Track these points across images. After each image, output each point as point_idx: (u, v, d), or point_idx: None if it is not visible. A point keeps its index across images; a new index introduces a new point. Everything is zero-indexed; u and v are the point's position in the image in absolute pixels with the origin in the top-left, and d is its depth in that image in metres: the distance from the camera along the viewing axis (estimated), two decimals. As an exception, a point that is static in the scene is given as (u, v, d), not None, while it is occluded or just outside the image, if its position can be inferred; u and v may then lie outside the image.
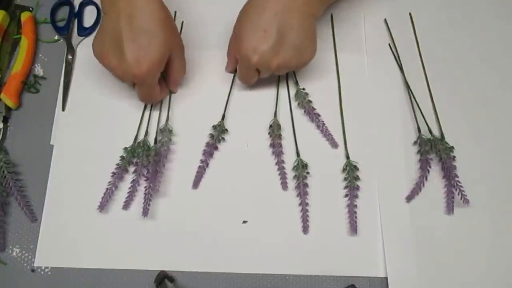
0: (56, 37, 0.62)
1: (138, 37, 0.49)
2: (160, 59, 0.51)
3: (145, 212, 0.52)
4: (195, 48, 0.60)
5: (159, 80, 0.55)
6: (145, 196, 0.53)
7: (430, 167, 0.55)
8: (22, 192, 0.54)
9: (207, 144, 0.56)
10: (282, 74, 0.57)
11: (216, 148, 0.56)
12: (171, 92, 0.59)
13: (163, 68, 0.53)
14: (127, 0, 0.50)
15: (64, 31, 0.62)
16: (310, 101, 0.58)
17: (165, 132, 0.56)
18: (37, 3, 0.63)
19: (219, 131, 0.56)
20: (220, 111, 0.58)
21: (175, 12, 0.62)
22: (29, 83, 0.59)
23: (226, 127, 0.57)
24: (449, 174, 0.54)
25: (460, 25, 0.62)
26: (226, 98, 0.58)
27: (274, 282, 0.52)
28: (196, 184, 0.55)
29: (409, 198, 0.55)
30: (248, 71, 0.54)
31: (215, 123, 0.57)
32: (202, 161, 0.55)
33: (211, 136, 0.56)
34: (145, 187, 0.53)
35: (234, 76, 0.59)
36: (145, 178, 0.54)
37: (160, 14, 0.51)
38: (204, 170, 0.55)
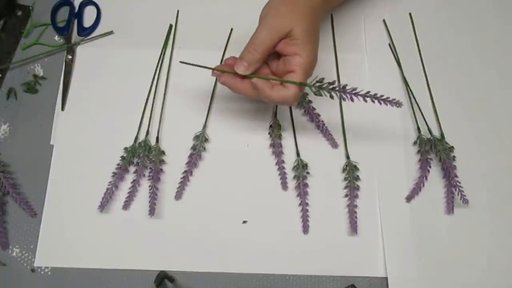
0: (56, 37, 0.62)
1: None
2: None
3: (152, 212, 0.52)
4: (195, 48, 0.60)
5: None
6: (150, 195, 0.53)
7: (430, 167, 0.55)
8: (18, 189, 0.54)
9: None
10: None
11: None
12: None
13: None
14: None
15: (64, 31, 0.62)
16: (310, 101, 0.58)
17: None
18: (34, 2, 0.62)
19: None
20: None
21: (177, 12, 0.62)
22: (29, 83, 0.59)
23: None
24: (449, 174, 0.54)
25: (460, 25, 0.62)
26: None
27: (274, 282, 0.52)
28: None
29: (409, 198, 0.55)
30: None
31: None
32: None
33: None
34: (149, 186, 0.53)
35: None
36: (149, 178, 0.54)
37: None
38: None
